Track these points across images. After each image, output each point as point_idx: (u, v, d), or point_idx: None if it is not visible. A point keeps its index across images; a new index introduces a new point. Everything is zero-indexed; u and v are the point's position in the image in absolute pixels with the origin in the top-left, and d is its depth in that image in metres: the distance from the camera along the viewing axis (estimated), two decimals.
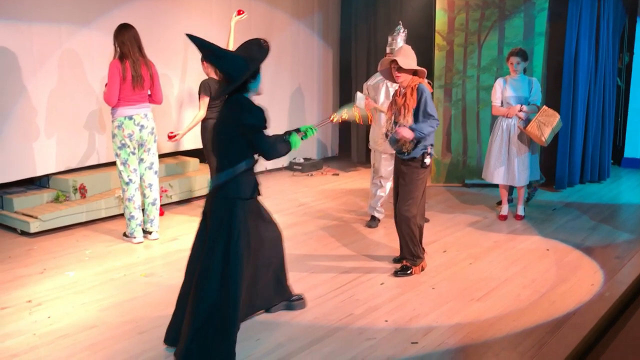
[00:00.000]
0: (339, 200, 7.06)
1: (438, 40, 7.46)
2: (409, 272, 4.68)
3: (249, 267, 3.56)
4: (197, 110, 5.98)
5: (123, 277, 4.68)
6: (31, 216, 5.56)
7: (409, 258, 4.70)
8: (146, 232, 5.52)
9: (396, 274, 4.68)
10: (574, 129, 7.39)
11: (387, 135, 4.67)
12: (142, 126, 5.27)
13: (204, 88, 5.75)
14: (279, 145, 3.54)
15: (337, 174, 8.44)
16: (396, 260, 4.90)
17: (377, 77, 5.76)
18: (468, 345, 3.65)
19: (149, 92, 5.37)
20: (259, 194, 3.62)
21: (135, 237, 5.40)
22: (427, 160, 4.52)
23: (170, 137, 5.73)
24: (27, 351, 3.56)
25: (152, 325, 3.88)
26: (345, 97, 9.28)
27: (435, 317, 3.99)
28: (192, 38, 3.25)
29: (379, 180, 5.87)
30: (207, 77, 5.86)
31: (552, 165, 7.46)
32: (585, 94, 7.47)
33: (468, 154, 7.53)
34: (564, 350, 3.59)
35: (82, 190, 5.99)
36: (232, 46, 6.12)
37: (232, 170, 3.37)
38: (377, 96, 5.67)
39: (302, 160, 8.52)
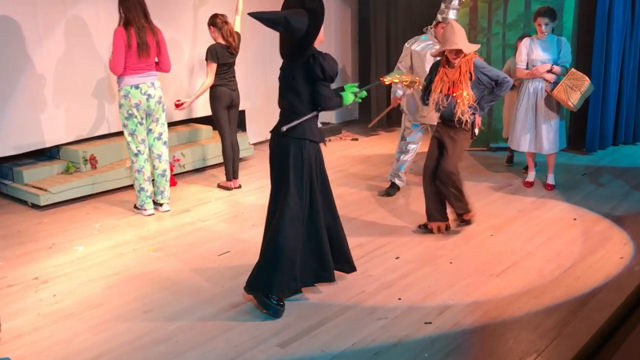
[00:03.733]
0: (357, 167, 6.84)
1: None
2: (468, 221, 4.70)
3: (321, 210, 3.69)
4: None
5: (131, 252, 4.58)
6: (41, 189, 5.49)
7: (462, 211, 4.68)
8: (157, 204, 5.41)
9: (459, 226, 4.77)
10: (607, 87, 6.97)
11: (438, 109, 4.56)
12: (149, 95, 5.09)
13: (211, 54, 5.53)
14: (335, 98, 3.63)
15: (356, 139, 8.18)
16: (422, 227, 4.80)
17: (422, 42, 5.37)
18: (485, 326, 3.46)
19: (157, 60, 5.18)
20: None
21: (145, 210, 5.30)
22: (477, 131, 4.63)
23: (177, 106, 5.55)
24: (31, 332, 3.49)
25: (158, 303, 3.78)
26: (364, 56, 8.94)
27: (452, 295, 3.80)
28: (252, 15, 3.36)
29: (405, 145, 5.63)
30: (214, 43, 5.62)
31: (583, 126, 7.09)
32: (620, 49, 7.01)
33: (493, 116, 7.18)
34: (587, 331, 3.37)
35: (92, 161, 5.88)
36: (241, 9, 5.86)
37: (303, 114, 3.52)
38: (423, 64, 5.31)
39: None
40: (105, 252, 4.59)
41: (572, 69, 5.47)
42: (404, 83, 4.53)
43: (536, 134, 5.60)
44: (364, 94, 3.88)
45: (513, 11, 6.88)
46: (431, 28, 5.39)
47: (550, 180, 5.78)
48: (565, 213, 5.16)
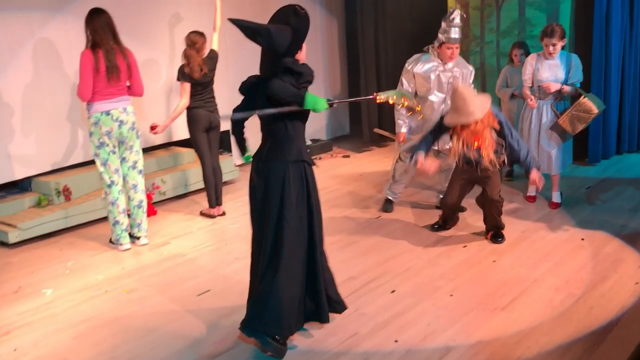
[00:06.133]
0: (350, 186, 6.48)
1: (451, 3, 6.76)
2: (500, 237, 4.71)
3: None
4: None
5: (104, 294, 4.21)
6: (10, 225, 5.12)
7: (498, 228, 4.75)
8: (134, 237, 5.04)
9: (494, 241, 4.72)
10: (608, 94, 6.64)
11: (468, 160, 4.60)
12: (121, 122, 4.75)
13: (182, 74, 5.20)
14: (294, 89, 3.18)
15: (348, 156, 7.83)
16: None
17: (425, 62, 4.98)
18: None
19: (128, 84, 4.84)
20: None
21: (121, 244, 4.93)
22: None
23: (152, 128, 5.22)
24: None
25: (129, 356, 3.41)
26: (353, 70, 8.61)
27: (453, 334, 3.44)
28: (233, 20, 3.13)
29: (405, 169, 5.35)
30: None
31: (584, 135, 6.73)
32: (620, 53, 6.69)
33: None
34: None
35: (66, 193, 5.52)
36: (219, 25, 5.53)
37: (293, 136, 3.28)
38: (429, 88, 4.98)
39: (309, 142, 7.90)
40: (75, 295, 4.22)
41: (582, 97, 5.08)
42: (401, 105, 4.09)
43: (545, 154, 5.26)
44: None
45: (506, 18, 6.57)
46: (433, 48, 5.02)
47: (556, 198, 5.41)
48: (572, 233, 4.80)
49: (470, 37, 6.74)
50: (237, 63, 6.79)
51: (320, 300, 3.43)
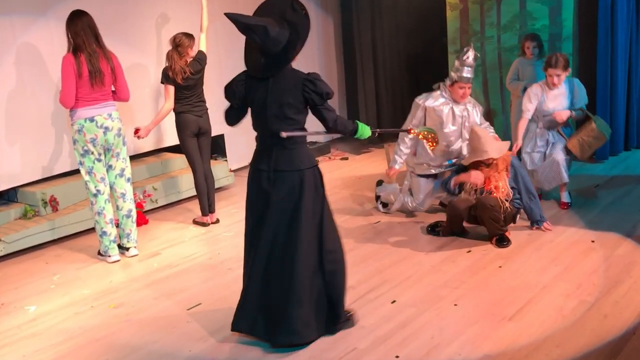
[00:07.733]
0: (348, 190, 6.27)
1: None
2: (505, 241, 4.48)
3: None
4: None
5: (89, 310, 4.00)
6: None
7: (499, 232, 4.50)
8: (123, 248, 4.83)
9: (499, 245, 4.49)
10: (614, 88, 6.41)
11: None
12: (106, 128, 4.55)
13: (166, 77, 5.00)
14: (347, 120, 3.40)
15: (347, 158, 7.62)
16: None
17: (436, 98, 4.85)
18: None
19: (113, 89, 4.64)
20: None
21: (110, 256, 4.72)
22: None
23: (136, 132, 5.03)
24: None
25: None
26: (349, 68, 8.38)
27: (459, 347, 3.22)
28: (229, 15, 3.04)
29: (415, 205, 5.23)
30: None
31: None
32: (626, 47, 6.47)
33: (493, 127, 6.60)
34: None
35: (52, 203, 5.31)
36: (206, 26, 5.32)
37: (301, 141, 3.27)
38: (441, 122, 4.83)
39: None
40: (59, 312, 4.01)
41: (592, 123, 4.95)
42: (429, 144, 3.99)
43: (553, 169, 5.03)
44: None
45: (507, 12, 6.35)
46: (445, 86, 4.86)
47: (565, 198, 5.18)
48: (582, 234, 4.58)
49: (469, 32, 6.53)
50: (229, 63, 6.55)
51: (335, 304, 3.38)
